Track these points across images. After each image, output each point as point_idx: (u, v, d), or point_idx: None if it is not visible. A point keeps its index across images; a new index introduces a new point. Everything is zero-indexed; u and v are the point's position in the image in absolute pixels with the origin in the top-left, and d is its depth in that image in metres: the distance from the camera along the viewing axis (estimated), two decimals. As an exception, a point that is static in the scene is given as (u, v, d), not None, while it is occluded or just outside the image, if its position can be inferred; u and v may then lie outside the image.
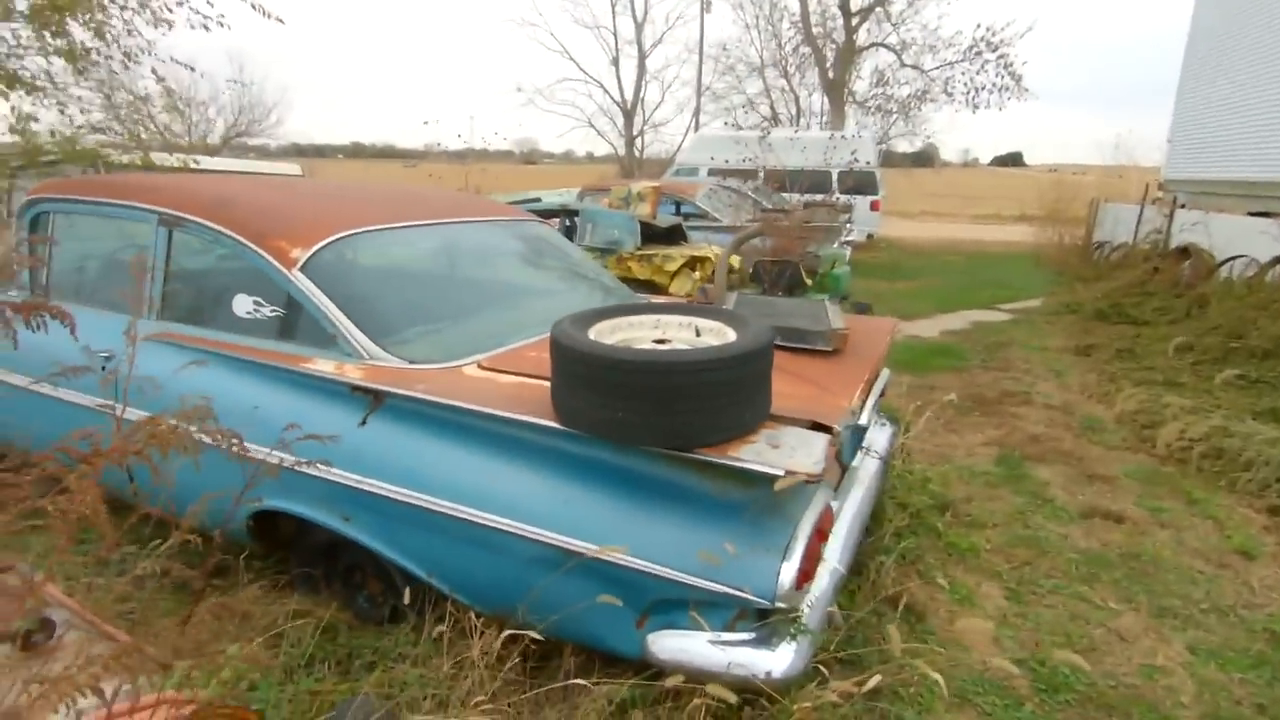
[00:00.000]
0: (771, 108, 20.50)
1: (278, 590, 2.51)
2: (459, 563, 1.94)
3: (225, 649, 1.67)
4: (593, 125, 24.73)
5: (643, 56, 24.08)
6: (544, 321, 2.01)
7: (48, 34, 4.36)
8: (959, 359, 6.05)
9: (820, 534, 1.81)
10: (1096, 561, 2.93)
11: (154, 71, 5.25)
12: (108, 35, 4.70)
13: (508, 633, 1.92)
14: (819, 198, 9.53)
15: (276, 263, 2.27)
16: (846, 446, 2.62)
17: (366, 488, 1.97)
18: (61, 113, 5.41)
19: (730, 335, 1.82)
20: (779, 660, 1.60)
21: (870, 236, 14.28)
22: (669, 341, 1.88)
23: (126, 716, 1.40)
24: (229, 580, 2.61)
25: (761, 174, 12.87)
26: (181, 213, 2.49)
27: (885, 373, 3.09)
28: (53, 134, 4.70)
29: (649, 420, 1.55)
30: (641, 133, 24.32)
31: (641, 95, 24.26)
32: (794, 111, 20.46)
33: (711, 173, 13.32)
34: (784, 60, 20.58)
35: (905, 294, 9.29)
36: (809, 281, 5.58)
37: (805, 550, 1.63)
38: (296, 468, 2.00)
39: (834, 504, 2.26)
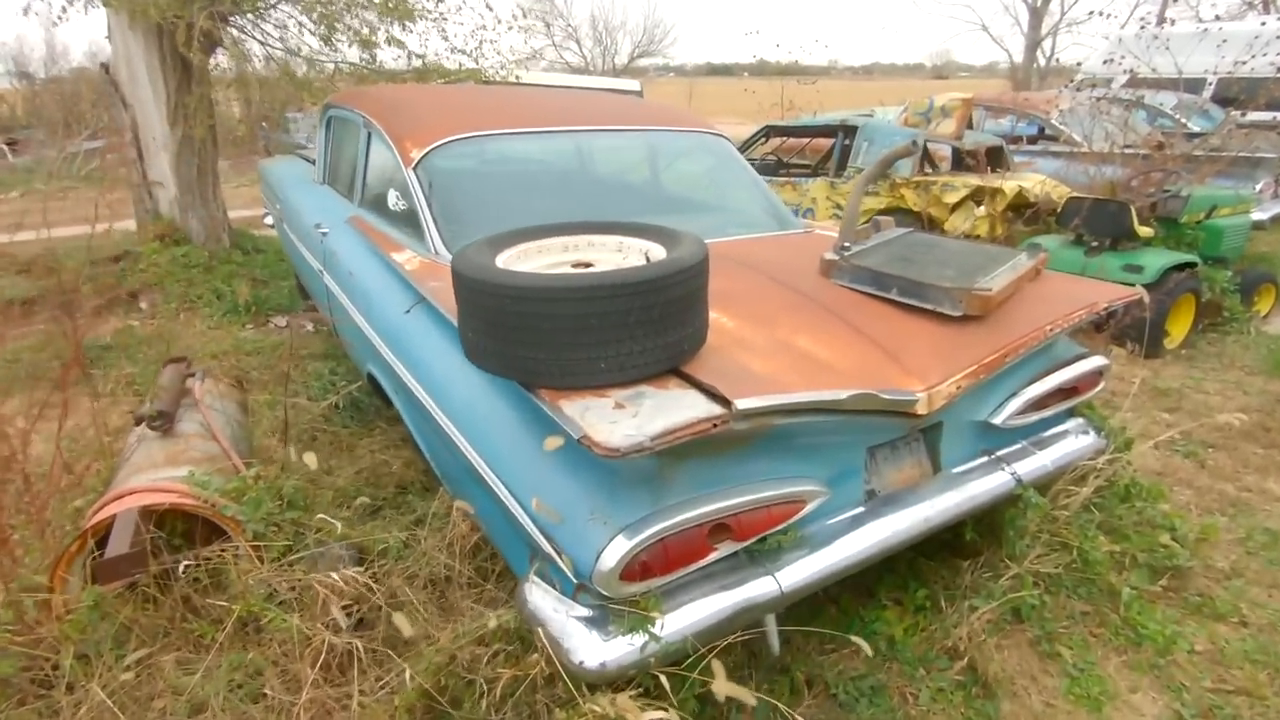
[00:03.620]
0: (1268, -13, 14.21)
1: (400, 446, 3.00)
2: (440, 453, 2.06)
3: (255, 464, 2.09)
4: (986, 29, 20.77)
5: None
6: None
7: None
8: None
9: (733, 530, 1.44)
10: None
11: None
12: None
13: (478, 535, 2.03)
14: (1271, 117, 6.58)
15: (400, 161, 2.56)
16: (944, 447, 1.98)
17: (396, 369, 2.19)
18: (444, 38, 6.71)
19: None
20: (604, 651, 1.37)
21: None
22: (592, 265, 1.61)
23: (141, 493, 1.87)
24: (394, 427, 3.20)
25: (1211, 85, 9.47)
26: (370, 117, 2.95)
27: (1094, 360, 2.20)
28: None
29: (489, 345, 1.40)
30: (1054, 31, 19.49)
31: (1063, -14, 19.34)
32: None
33: (1132, 83, 10.22)
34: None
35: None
36: (1144, 230, 4.05)
37: (658, 538, 1.33)
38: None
39: (856, 511, 1.76)
